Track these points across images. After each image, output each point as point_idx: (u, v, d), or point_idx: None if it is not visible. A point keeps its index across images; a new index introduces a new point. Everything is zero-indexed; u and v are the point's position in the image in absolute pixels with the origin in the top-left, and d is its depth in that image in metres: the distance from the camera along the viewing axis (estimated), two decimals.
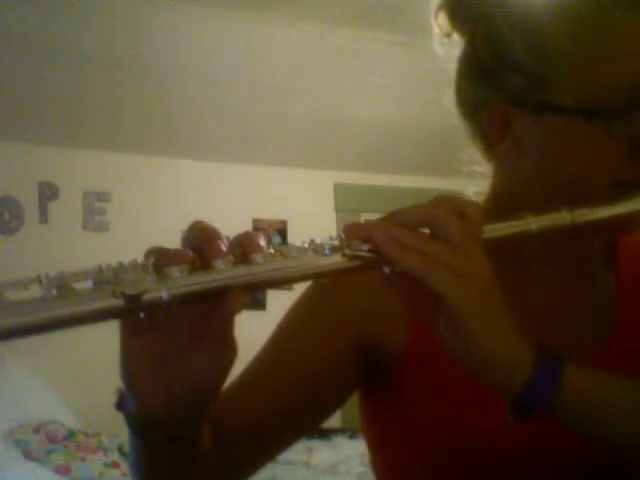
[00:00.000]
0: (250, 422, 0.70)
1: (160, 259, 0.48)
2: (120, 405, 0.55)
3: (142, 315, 0.47)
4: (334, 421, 3.74)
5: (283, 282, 0.50)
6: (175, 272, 0.46)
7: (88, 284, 0.45)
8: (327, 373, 0.72)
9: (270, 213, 3.98)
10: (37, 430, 2.85)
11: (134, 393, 0.52)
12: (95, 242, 3.66)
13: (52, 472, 2.61)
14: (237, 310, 0.49)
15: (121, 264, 0.48)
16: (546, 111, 0.66)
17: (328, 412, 0.75)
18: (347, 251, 0.51)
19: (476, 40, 0.71)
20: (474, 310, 0.52)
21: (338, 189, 4.11)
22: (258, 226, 3.96)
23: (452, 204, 0.54)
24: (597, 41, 0.65)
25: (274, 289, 0.52)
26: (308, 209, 4.00)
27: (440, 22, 0.74)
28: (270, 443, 0.74)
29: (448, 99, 0.75)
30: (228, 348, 0.51)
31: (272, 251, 0.50)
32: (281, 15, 2.74)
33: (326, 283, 0.58)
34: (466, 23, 0.72)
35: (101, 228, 3.69)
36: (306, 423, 0.75)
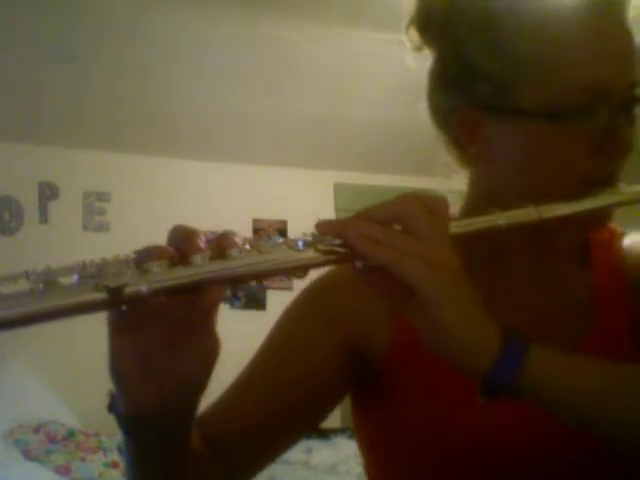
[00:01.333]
0: (247, 427, 0.72)
1: (141, 254, 0.50)
2: (112, 407, 0.56)
3: (124, 308, 0.49)
4: (334, 421, 3.74)
5: (258, 276, 0.53)
6: (155, 267, 0.49)
7: (73, 279, 0.48)
8: (320, 376, 0.74)
9: (270, 213, 3.98)
10: (37, 430, 2.85)
11: (124, 392, 0.53)
12: (95, 242, 3.66)
13: (52, 472, 2.61)
14: (215, 303, 0.51)
15: (104, 259, 0.50)
16: (512, 115, 0.69)
17: (323, 414, 0.77)
18: (320, 246, 0.53)
19: (444, 52, 0.75)
20: (443, 298, 0.54)
21: (338, 189, 4.12)
22: (258, 226, 3.96)
23: (421, 200, 0.56)
24: (555, 44, 0.67)
25: (249, 282, 0.52)
26: (308, 209, 4.00)
27: (411, 37, 0.78)
28: (268, 447, 0.75)
29: (423, 108, 0.79)
30: (211, 341, 0.53)
31: (248, 247, 0.52)
32: (281, 15, 2.74)
33: (302, 276, 0.60)
34: (434, 37, 0.76)
35: (101, 228, 3.70)
36: (302, 426, 0.77)
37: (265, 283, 3.86)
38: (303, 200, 4.02)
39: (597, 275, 0.77)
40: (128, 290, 0.47)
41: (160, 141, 3.67)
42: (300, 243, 0.53)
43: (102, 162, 3.72)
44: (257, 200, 3.95)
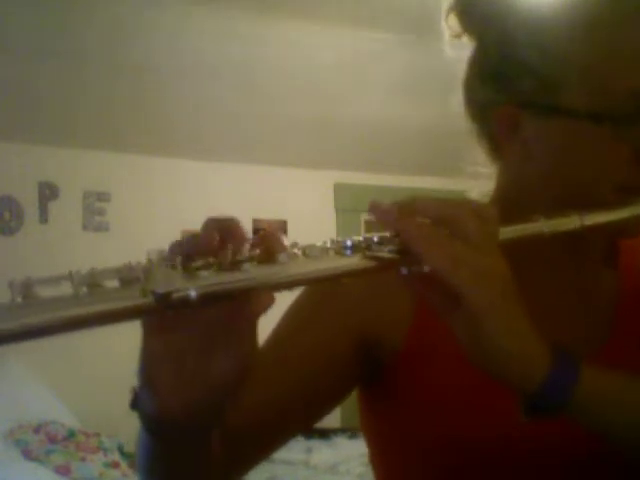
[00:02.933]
0: (253, 421, 0.70)
1: (188, 250, 0.48)
2: (134, 404, 0.55)
3: (170, 314, 0.47)
4: (334, 421, 3.74)
5: (307, 283, 0.52)
6: (203, 272, 0.47)
7: (118, 282, 0.46)
8: (329, 372, 0.73)
9: (270, 213, 3.98)
10: (37, 430, 2.85)
11: (154, 393, 0.52)
12: (95, 242, 3.66)
13: (52, 472, 2.61)
14: (264, 311, 0.50)
15: (150, 262, 0.48)
16: (555, 114, 0.67)
17: (327, 410, 0.76)
18: (368, 253, 0.52)
19: (487, 42, 0.72)
20: (494, 310, 0.52)
21: (338, 189, 4.12)
22: (258, 226, 3.96)
23: (472, 206, 0.54)
24: (608, 45, 0.65)
25: (300, 288, 0.52)
26: (308, 209, 4.00)
27: (450, 23, 0.74)
28: (271, 440, 0.74)
29: (456, 99, 0.76)
30: (250, 349, 0.52)
31: (296, 251, 0.50)
32: (281, 15, 2.74)
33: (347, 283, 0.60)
34: (477, 25, 0.72)
35: (101, 228, 3.69)
36: (306, 421, 0.76)
37: None
38: (303, 200, 4.01)
39: (623, 278, 0.76)
40: (176, 295, 0.45)
41: (160, 141, 3.67)
42: (348, 249, 0.51)
43: (102, 162, 3.72)
44: (257, 200, 3.94)
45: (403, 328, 0.72)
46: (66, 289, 0.44)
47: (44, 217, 3.62)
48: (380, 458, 0.81)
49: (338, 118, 3.52)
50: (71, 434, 2.90)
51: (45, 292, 0.43)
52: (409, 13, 2.53)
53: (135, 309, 0.46)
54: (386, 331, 0.73)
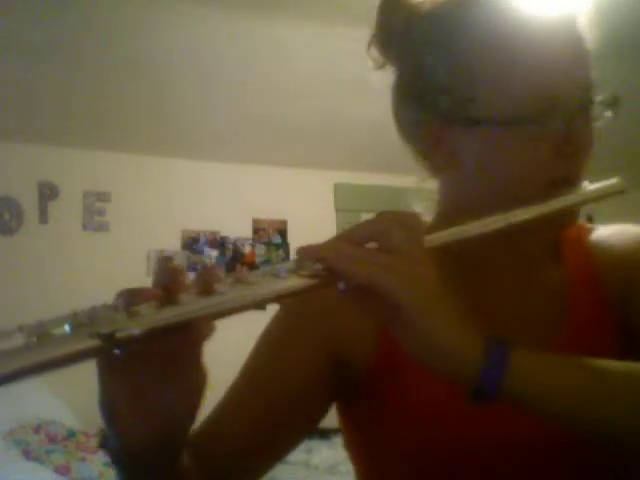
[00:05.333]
0: (238, 447, 0.74)
1: (129, 298, 0.51)
2: (104, 443, 0.58)
3: (117, 352, 0.50)
4: (334, 421, 3.74)
5: (246, 308, 0.54)
6: (144, 309, 0.50)
7: (66, 329, 0.49)
8: (304, 394, 0.76)
9: (270, 213, 3.98)
10: (37, 430, 2.85)
11: (115, 429, 0.55)
12: (95, 242, 3.67)
13: (52, 472, 2.61)
14: (205, 339, 0.53)
15: (94, 307, 0.50)
16: (473, 125, 0.72)
17: (310, 426, 0.80)
18: (302, 272, 0.55)
19: (405, 69, 0.78)
20: (424, 308, 0.55)
21: (338, 189, 4.12)
22: (258, 226, 3.96)
23: (394, 217, 0.58)
24: (507, 56, 0.70)
25: (239, 314, 0.55)
26: (308, 209, 4.00)
27: (373, 55, 0.82)
28: (258, 463, 0.78)
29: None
30: (198, 373, 0.55)
31: (232, 279, 0.53)
32: (281, 15, 2.74)
33: (290, 303, 0.68)
34: (395, 54, 0.79)
35: (101, 228, 3.70)
36: (291, 440, 0.79)
37: None
38: (303, 200, 4.02)
39: (569, 270, 0.81)
40: (120, 335, 0.48)
41: (160, 141, 3.67)
42: (282, 271, 0.54)
43: (102, 162, 3.72)
44: (257, 200, 3.95)
45: (370, 343, 0.76)
46: (18, 340, 0.47)
47: (44, 217, 3.62)
48: (363, 472, 0.84)
49: (338, 118, 3.52)
50: (71, 434, 2.90)
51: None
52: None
53: (83, 352, 0.48)
54: (355, 347, 0.76)
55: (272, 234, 3.97)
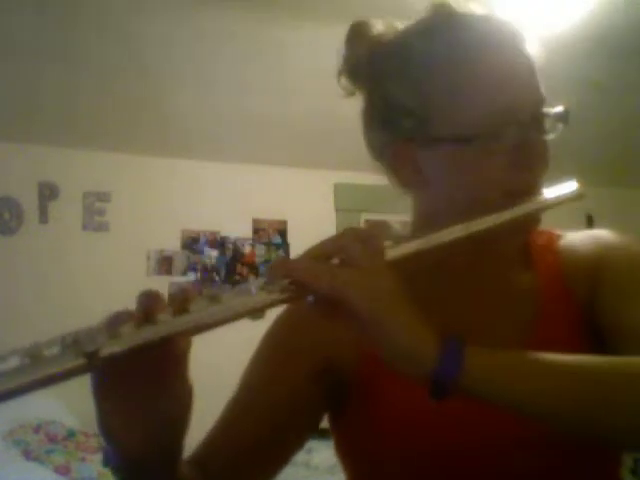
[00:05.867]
0: (230, 462, 0.79)
1: (111, 320, 0.56)
2: (106, 461, 0.63)
3: (100, 368, 0.55)
4: None
5: (219, 323, 0.59)
6: (125, 328, 0.55)
7: (56, 350, 0.55)
8: (296, 404, 0.81)
9: (270, 213, 3.98)
10: (37, 430, 2.85)
11: (112, 444, 0.61)
12: (95, 242, 3.67)
13: (52, 472, 2.61)
14: (184, 353, 0.60)
15: (79, 330, 0.55)
16: (433, 143, 0.77)
17: (304, 438, 0.85)
18: (270, 287, 0.60)
19: (372, 94, 0.85)
20: (381, 315, 0.60)
21: (338, 189, 4.12)
22: (258, 226, 3.96)
23: (354, 233, 0.63)
24: (459, 77, 0.76)
25: (214, 329, 0.60)
26: (308, 209, 4.00)
27: (342, 84, 0.90)
28: (255, 474, 0.83)
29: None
30: (185, 384, 0.61)
31: (206, 298, 0.59)
32: (281, 15, 2.74)
33: (282, 316, 0.79)
34: (362, 82, 0.87)
35: (101, 228, 3.70)
36: (288, 449, 0.84)
37: None
38: (303, 200, 4.01)
39: (539, 275, 0.85)
40: (103, 352, 0.54)
41: (160, 141, 3.67)
42: (253, 288, 0.60)
43: (102, 162, 3.72)
44: (257, 200, 3.95)
45: (353, 353, 0.80)
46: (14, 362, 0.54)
47: (44, 217, 3.62)
48: (352, 477, 0.89)
49: (338, 118, 3.51)
50: (71, 434, 2.90)
51: None
52: (410, 13, 2.53)
53: (71, 370, 0.54)
54: (342, 353, 0.81)
55: (272, 234, 3.97)
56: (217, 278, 3.82)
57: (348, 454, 0.89)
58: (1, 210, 3.56)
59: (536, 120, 0.76)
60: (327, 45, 3.14)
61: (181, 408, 0.61)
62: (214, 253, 3.85)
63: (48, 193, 3.63)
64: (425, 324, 0.61)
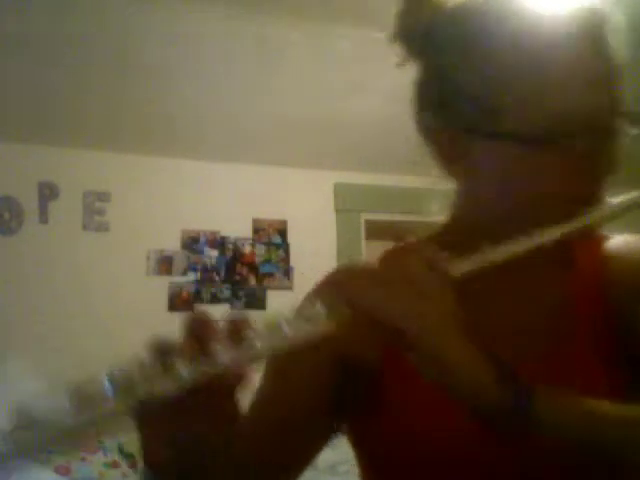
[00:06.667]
0: (263, 465, 0.76)
1: (163, 355, 0.53)
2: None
3: (156, 408, 0.53)
4: None
5: (280, 352, 0.56)
6: (180, 366, 0.52)
7: (108, 391, 0.52)
8: (319, 397, 0.78)
9: (270, 213, 3.98)
10: None
11: (148, 464, 0.58)
12: (95, 242, 3.67)
13: (52, 472, 2.61)
14: (240, 386, 0.55)
15: (130, 369, 0.52)
16: (497, 138, 0.70)
17: (328, 433, 0.81)
18: (333, 315, 0.57)
19: (429, 71, 0.76)
20: (444, 352, 0.57)
21: (338, 189, 4.12)
22: (258, 226, 3.96)
23: (422, 258, 0.59)
24: (541, 71, 0.68)
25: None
26: (308, 209, 4.00)
27: (395, 49, 0.78)
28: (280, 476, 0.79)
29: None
30: (234, 407, 0.58)
31: (263, 327, 0.55)
32: (281, 15, 2.74)
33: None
34: (419, 51, 0.76)
35: (101, 228, 3.70)
36: (308, 454, 0.81)
37: (265, 283, 3.86)
38: (303, 200, 4.01)
39: (576, 279, 0.78)
40: (158, 393, 0.51)
41: (160, 141, 3.67)
42: (315, 314, 0.56)
43: (102, 162, 3.72)
44: (257, 200, 3.95)
45: (378, 349, 0.76)
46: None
47: (44, 217, 3.62)
48: (365, 468, 0.84)
49: (338, 118, 3.52)
50: None
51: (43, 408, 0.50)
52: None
53: (124, 413, 0.51)
54: (362, 352, 0.76)
55: (272, 234, 3.97)
56: (217, 278, 3.82)
57: (363, 454, 0.84)
58: (1, 210, 3.56)
59: (612, 126, 0.70)
60: (328, 45, 3.13)
61: (224, 427, 0.58)
62: (214, 253, 3.85)
63: (48, 193, 3.63)
64: (482, 353, 0.58)
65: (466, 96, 0.71)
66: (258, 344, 0.54)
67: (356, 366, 0.77)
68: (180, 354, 0.52)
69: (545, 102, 0.68)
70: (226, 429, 0.58)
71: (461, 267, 0.62)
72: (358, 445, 0.84)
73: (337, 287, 0.58)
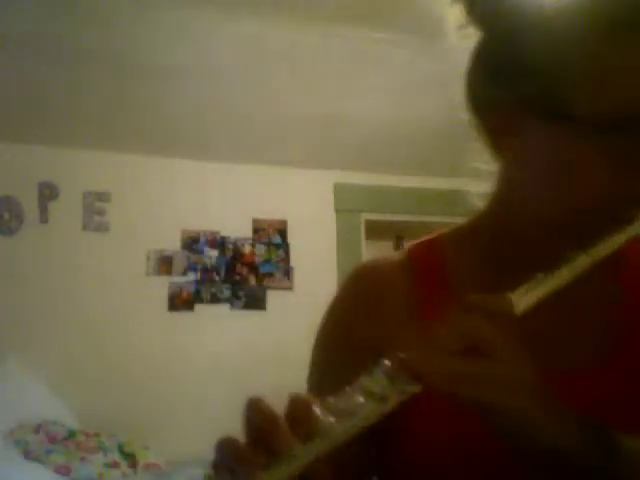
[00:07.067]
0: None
1: (232, 464, 0.48)
2: None
3: None
4: None
5: (352, 435, 0.51)
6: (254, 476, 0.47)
7: None
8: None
9: (270, 213, 3.98)
10: (37, 430, 2.85)
11: None
12: (95, 242, 3.66)
13: (52, 472, 2.61)
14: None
15: None
16: (559, 120, 0.63)
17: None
18: (400, 389, 0.53)
19: (492, 35, 0.68)
20: (523, 415, 0.54)
21: (338, 189, 4.12)
22: (258, 226, 3.96)
23: (483, 309, 0.55)
24: (618, 56, 0.62)
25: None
26: (308, 209, 4.00)
27: (455, 12, 0.70)
28: None
29: (457, 91, 0.72)
30: None
31: (329, 412, 0.50)
32: (281, 15, 2.74)
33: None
34: (483, 16, 0.68)
35: (101, 228, 3.69)
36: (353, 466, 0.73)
37: (265, 283, 3.86)
38: (303, 200, 4.01)
39: (630, 276, 0.73)
40: None
41: (160, 141, 3.67)
42: (379, 392, 0.52)
43: (102, 162, 3.72)
44: (257, 200, 3.94)
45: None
46: None
47: (44, 217, 3.62)
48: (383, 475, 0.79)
49: (338, 118, 3.52)
50: (71, 434, 2.90)
51: None
52: (409, 13, 2.53)
53: None
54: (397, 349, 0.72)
55: (272, 234, 3.97)
56: (217, 278, 3.82)
57: (383, 463, 0.77)
58: (1, 210, 3.56)
59: None
60: (328, 45, 3.12)
61: None
62: (214, 253, 3.85)
63: (48, 193, 3.63)
64: (566, 415, 0.56)
65: (530, 69, 0.64)
66: (331, 436, 0.49)
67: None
68: (251, 463, 0.47)
69: (617, 86, 0.61)
70: None
71: (525, 301, 0.57)
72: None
73: (403, 363, 0.53)
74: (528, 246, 0.64)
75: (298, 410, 0.50)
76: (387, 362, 0.54)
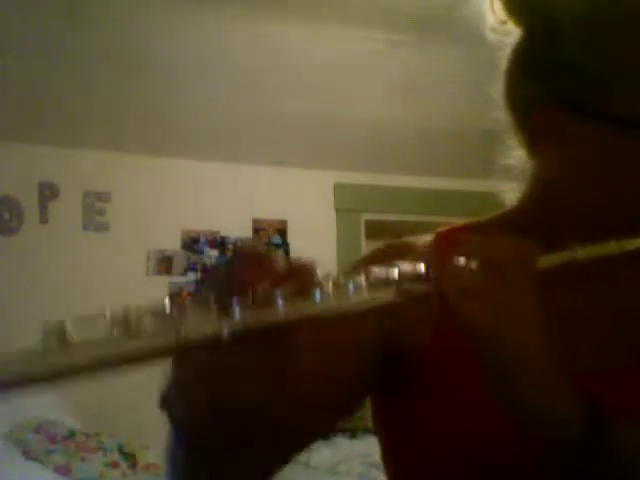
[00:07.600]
0: None
1: (221, 296, 0.46)
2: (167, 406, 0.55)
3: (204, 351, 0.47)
4: None
5: (350, 312, 0.50)
6: (236, 311, 0.45)
7: (150, 324, 0.44)
8: (354, 375, 0.69)
9: (270, 213, 3.98)
10: (37, 430, 2.85)
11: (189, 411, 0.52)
12: (95, 242, 3.67)
13: (52, 472, 2.61)
14: (302, 346, 0.48)
15: (184, 301, 0.45)
16: (602, 120, 0.61)
17: (352, 408, 0.71)
18: (403, 286, 0.51)
19: (534, 32, 0.66)
20: (526, 366, 0.52)
21: (338, 189, 4.12)
22: (258, 226, 3.96)
23: (512, 249, 0.53)
24: None
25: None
26: (308, 209, 4.00)
27: (495, 7, 0.68)
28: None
29: (495, 89, 0.71)
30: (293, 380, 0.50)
31: (329, 285, 0.49)
32: (281, 15, 2.74)
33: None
34: (524, 12, 0.67)
35: (101, 228, 3.70)
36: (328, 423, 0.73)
37: None
38: (303, 200, 4.02)
39: None
40: (207, 334, 0.45)
41: (160, 141, 3.67)
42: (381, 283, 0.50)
43: (102, 162, 3.72)
44: (257, 200, 3.95)
45: (424, 330, 0.68)
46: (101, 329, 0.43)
47: (44, 217, 3.62)
48: (393, 457, 0.77)
49: (338, 118, 3.52)
50: (71, 434, 2.90)
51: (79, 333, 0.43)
52: (409, 13, 2.53)
53: (169, 349, 0.45)
54: (407, 331, 0.69)
55: (272, 234, 3.97)
56: None
57: (391, 444, 0.75)
58: (1, 210, 3.56)
59: None
60: (328, 45, 3.13)
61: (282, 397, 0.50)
62: (214, 253, 3.85)
63: (48, 193, 3.63)
64: (567, 384, 0.53)
65: (576, 66, 0.62)
66: (322, 306, 0.48)
67: (402, 343, 0.68)
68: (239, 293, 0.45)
69: None
70: (282, 392, 0.49)
71: (548, 260, 0.55)
72: (386, 433, 0.76)
73: (429, 260, 0.51)
74: (563, 246, 0.61)
75: (300, 269, 0.48)
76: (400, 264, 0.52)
